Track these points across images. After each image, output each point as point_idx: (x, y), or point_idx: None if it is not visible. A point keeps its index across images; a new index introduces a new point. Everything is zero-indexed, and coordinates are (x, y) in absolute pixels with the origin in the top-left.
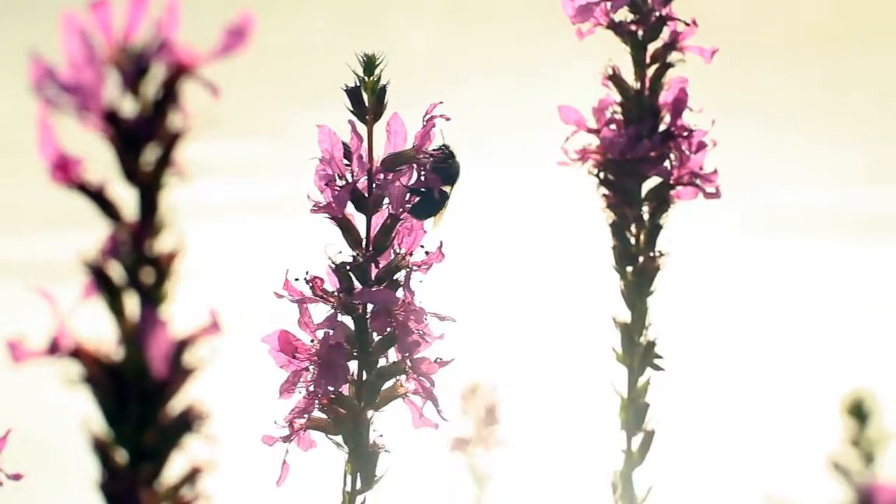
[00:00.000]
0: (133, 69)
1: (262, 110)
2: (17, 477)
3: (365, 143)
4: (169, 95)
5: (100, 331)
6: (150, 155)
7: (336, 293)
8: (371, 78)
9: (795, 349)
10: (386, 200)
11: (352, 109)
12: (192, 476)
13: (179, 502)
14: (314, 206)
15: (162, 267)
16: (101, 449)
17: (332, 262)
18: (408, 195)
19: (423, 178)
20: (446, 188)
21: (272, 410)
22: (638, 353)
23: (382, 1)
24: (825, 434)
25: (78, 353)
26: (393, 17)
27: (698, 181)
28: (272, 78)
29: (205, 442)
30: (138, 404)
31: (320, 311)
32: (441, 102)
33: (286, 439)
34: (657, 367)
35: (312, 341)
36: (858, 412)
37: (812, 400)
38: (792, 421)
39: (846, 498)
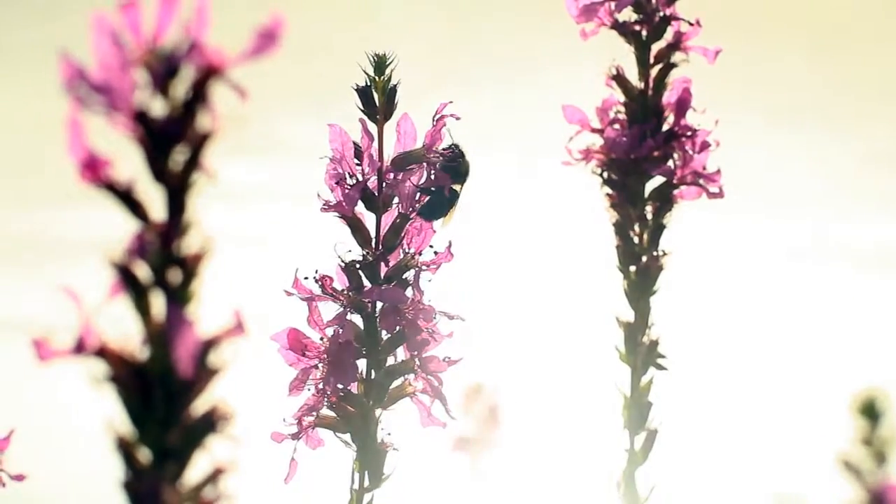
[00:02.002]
0: (163, 70)
1: (265, 110)
2: (20, 478)
3: (375, 143)
4: (198, 97)
5: (126, 330)
6: (179, 156)
7: (345, 291)
8: (381, 77)
9: (804, 348)
10: (396, 199)
11: (362, 108)
12: (215, 476)
13: (202, 502)
14: (324, 204)
15: (189, 267)
16: (126, 448)
17: (342, 261)
18: (418, 194)
19: (433, 178)
20: (456, 187)
21: (281, 408)
22: (641, 352)
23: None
24: (836, 433)
25: (103, 353)
26: (395, 18)
27: (702, 181)
28: (274, 77)
29: (228, 442)
30: (163, 404)
31: (329, 310)
32: (451, 102)
33: (295, 437)
34: (660, 367)
35: (322, 339)
36: (870, 411)
37: (823, 399)
38: (802, 420)
39: (858, 497)
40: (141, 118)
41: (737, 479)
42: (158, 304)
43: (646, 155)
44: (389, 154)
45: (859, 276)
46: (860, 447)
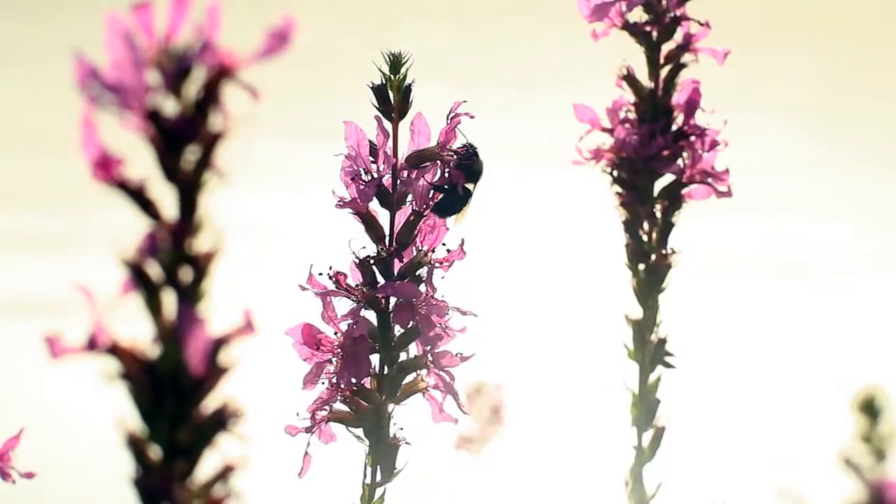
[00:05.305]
0: (175, 70)
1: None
2: (30, 475)
3: (390, 140)
4: (210, 97)
5: (137, 328)
6: (191, 155)
7: (359, 287)
8: (397, 76)
9: (807, 345)
10: (410, 197)
11: (377, 106)
12: (224, 473)
13: (212, 499)
14: (339, 201)
15: (200, 266)
16: (136, 445)
17: (356, 257)
18: (431, 192)
19: (446, 176)
20: (469, 186)
21: (293, 405)
22: (649, 349)
23: (387, 2)
24: (837, 430)
25: (115, 350)
26: (401, 17)
27: (710, 180)
28: (278, 77)
29: (238, 440)
30: (173, 401)
31: (343, 306)
32: (465, 101)
33: (308, 430)
34: (668, 364)
35: (336, 334)
36: (870, 408)
37: (824, 396)
38: (804, 417)
39: (858, 494)
40: (153, 118)
41: (742, 476)
42: (170, 302)
43: (655, 154)
44: (404, 152)
45: (861, 275)
46: (860, 444)
